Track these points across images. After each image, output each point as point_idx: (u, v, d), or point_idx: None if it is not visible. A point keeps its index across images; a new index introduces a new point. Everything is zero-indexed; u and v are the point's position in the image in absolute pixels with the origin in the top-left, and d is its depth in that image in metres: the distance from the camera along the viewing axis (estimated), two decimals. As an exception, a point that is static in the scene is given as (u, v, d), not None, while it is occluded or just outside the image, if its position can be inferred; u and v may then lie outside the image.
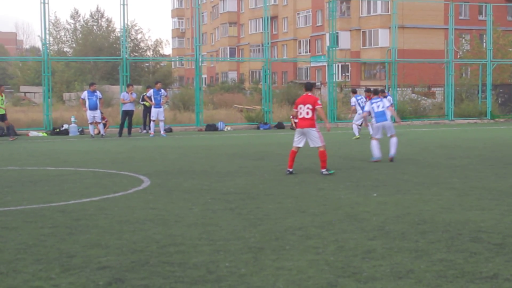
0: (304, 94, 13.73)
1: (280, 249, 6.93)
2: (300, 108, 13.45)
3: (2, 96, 25.09)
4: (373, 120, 15.98)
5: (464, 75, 48.21)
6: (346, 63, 64.92)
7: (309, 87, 13.93)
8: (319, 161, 13.41)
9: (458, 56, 50.42)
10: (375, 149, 15.66)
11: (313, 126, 13.35)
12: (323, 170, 13.32)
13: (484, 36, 43.55)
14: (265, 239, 7.38)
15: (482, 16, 58.35)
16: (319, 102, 13.46)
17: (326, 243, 7.17)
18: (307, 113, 13.33)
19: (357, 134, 23.58)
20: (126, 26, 31.69)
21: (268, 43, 33.77)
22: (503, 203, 9.72)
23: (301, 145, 13.60)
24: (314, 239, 7.38)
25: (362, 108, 25.82)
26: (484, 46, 43.74)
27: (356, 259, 6.50)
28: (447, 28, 39.18)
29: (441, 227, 7.99)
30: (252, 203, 9.79)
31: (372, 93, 17.08)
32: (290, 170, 13.37)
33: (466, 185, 11.69)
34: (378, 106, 15.96)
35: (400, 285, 5.67)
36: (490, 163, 15.22)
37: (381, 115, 15.90)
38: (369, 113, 16.26)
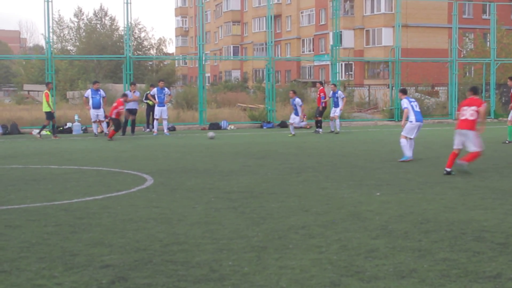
0: (471, 97, 13.74)
1: (283, 248, 6.94)
2: (464, 109, 13.48)
3: (49, 94, 25.19)
4: (411, 118, 15.66)
5: (467, 74, 48.13)
6: (350, 62, 64.83)
7: (476, 91, 14.04)
8: (468, 157, 13.28)
9: (462, 55, 50.31)
10: (407, 148, 15.56)
11: (473, 129, 13.31)
12: (464, 162, 13.21)
13: (488, 35, 43.49)
14: (268, 238, 7.38)
15: (486, 15, 58.25)
16: (484, 105, 13.53)
17: (329, 242, 7.17)
18: (471, 114, 13.33)
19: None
20: (129, 24, 31.68)
21: (271, 42, 33.74)
22: (507, 203, 9.71)
23: (461, 146, 13.48)
24: (317, 238, 7.39)
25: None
26: (488, 45, 43.64)
27: (359, 258, 6.50)
28: (451, 27, 39.14)
29: (444, 227, 7.98)
30: (255, 202, 9.80)
31: (402, 92, 16.60)
32: (448, 170, 13.15)
33: (469, 184, 11.67)
34: (416, 106, 15.83)
35: (403, 285, 5.67)
36: (494, 162, 15.20)
37: (419, 115, 15.80)
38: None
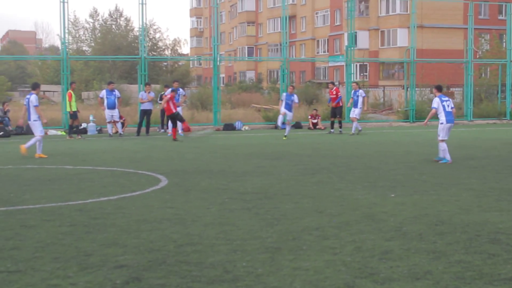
0: None
1: (297, 249, 6.92)
2: None
3: (72, 94, 25.41)
4: (442, 119, 15.43)
5: (483, 75, 47.88)
6: (364, 63, 64.72)
7: None
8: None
9: (478, 56, 50.09)
10: (447, 151, 15.30)
11: None
12: None
13: (504, 35, 43.20)
14: (282, 239, 7.38)
15: (502, 16, 57.94)
16: None
17: (343, 244, 7.15)
18: None
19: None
20: (144, 25, 31.79)
21: (286, 43, 33.74)
22: (522, 205, 9.64)
23: None
24: (331, 239, 7.37)
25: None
26: (504, 46, 43.36)
27: (373, 260, 6.48)
28: (467, 28, 38.94)
29: (459, 228, 7.94)
30: (269, 203, 9.79)
31: (437, 89, 15.93)
32: None
33: (484, 186, 11.61)
34: (448, 106, 15.47)
35: (418, 286, 5.64)
36: (509, 163, 15.11)
37: (451, 115, 15.51)
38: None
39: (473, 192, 10.85)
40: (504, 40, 44.88)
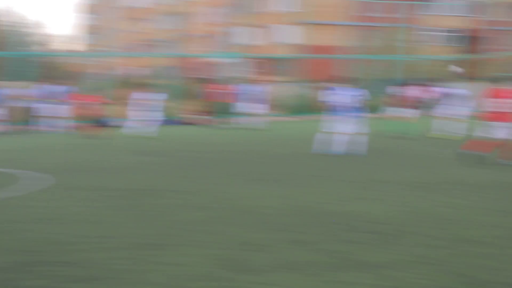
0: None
1: (167, 244, 6.91)
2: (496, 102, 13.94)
3: None
4: (334, 112, 15.84)
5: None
6: (248, 59, 65.09)
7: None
8: None
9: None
10: (336, 144, 15.73)
11: None
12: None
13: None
14: (154, 235, 7.33)
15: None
16: None
17: (211, 238, 7.19)
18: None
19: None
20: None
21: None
22: (399, 194, 10.04)
23: None
24: (200, 234, 7.38)
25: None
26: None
27: (241, 252, 6.56)
28: (349, 25, 40.03)
29: (326, 218, 8.17)
30: (147, 199, 9.71)
31: (328, 82, 16.45)
32: None
33: (364, 177, 11.99)
34: (342, 99, 15.78)
35: (287, 277, 5.75)
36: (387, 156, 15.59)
37: (344, 108, 15.85)
38: None
39: (353, 184, 11.21)
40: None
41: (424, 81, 21.27)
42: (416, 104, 20.76)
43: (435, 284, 5.56)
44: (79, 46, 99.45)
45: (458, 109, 20.89)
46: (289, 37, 61.44)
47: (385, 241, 6.99)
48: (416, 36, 48.77)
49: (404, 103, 20.55)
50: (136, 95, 23.71)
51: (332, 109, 15.90)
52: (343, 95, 15.88)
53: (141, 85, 26.29)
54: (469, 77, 46.44)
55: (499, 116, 13.77)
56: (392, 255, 6.40)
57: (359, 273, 5.86)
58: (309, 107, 35.36)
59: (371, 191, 10.41)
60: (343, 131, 15.76)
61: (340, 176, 12.19)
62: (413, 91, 20.59)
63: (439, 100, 21.35)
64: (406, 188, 10.69)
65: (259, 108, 26.40)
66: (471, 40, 61.85)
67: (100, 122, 26.17)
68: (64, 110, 26.12)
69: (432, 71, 47.98)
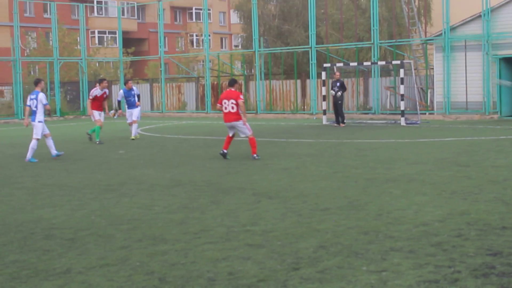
0: (228, 90, 14.49)
1: None
2: (225, 103, 14.35)
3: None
4: (40, 118, 15.19)
5: (32, 73, 47.93)
6: None
7: (233, 83, 14.70)
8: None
9: (26, 54, 49.83)
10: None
11: (238, 119, 14.33)
12: (254, 155, 14.46)
13: (50, 34, 43.78)
14: None
15: (47, 14, 58.65)
16: (241, 97, 14.37)
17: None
18: (232, 107, 14.29)
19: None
20: None
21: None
22: (74, 198, 9.93)
23: (233, 132, 14.66)
24: None
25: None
26: (51, 44, 43.96)
27: None
28: (13, 25, 38.48)
29: (13, 228, 7.83)
30: None
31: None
32: (225, 151, 14.55)
33: (37, 183, 11.66)
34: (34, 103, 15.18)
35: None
36: (65, 160, 15.37)
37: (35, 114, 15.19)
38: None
39: (26, 190, 10.84)
40: (50, 38, 45.46)
41: (100, 82, 20.76)
42: (100, 106, 20.41)
43: (130, 285, 5.58)
44: None
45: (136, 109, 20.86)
46: None
47: (68, 247, 6.86)
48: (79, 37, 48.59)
49: (93, 106, 20.02)
50: None
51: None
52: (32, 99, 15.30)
53: None
54: (138, 78, 47.85)
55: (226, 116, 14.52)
56: (78, 260, 6.31)
57: (46, 281, 5.66)
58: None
59: (47, 196, 10.15)
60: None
61: (17, 184, 11.67)
62: (95, 93, 20.13)
63: (120, 101, 21.28)
64: (87, 191, 10.61)
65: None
66: (135, 42, 63.73)
67: None
68: None
69: (109, 72, 48.46)
